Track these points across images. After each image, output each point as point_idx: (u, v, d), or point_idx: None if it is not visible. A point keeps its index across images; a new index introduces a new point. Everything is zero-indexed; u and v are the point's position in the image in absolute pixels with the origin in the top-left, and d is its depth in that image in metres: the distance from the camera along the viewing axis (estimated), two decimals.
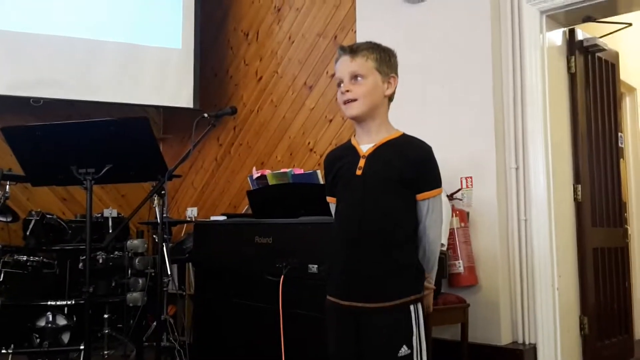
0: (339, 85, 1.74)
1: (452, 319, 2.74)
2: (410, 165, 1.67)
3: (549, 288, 2.87)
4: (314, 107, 4.00)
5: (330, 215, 2.72)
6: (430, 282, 1.80)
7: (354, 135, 1.80)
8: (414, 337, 1.62)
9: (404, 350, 1.60)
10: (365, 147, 1.74)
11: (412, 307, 1.64)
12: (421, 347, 1.63)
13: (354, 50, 1.72)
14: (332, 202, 1.84)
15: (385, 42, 1.77)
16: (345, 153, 1.79)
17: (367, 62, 1.70)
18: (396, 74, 1.77)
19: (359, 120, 1.74)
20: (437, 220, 1.72)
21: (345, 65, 1.72)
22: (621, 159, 3.73)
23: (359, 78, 1.70)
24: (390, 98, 1.77)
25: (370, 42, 1.76)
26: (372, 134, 1.74)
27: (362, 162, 1.71)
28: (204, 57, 4.64)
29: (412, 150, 1.71)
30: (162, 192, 2.55)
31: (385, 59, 1.74)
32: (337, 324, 1.71)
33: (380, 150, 1.71)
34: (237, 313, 2.94)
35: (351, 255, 1.68)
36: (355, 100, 1.70)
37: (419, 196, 1.69)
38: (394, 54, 1.79)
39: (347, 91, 1.70)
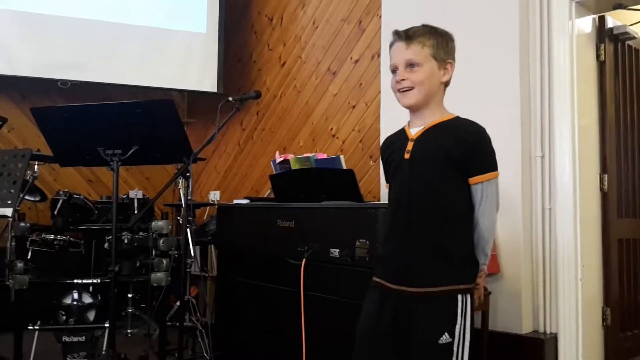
0: (393, 72, 1.70)
1: (473, 308, 2.74)
2: (459, 146, 1.63)
3: (572, 278, 2.84)
4: (337, 93, 3.99)
5: (353, 200, 2.75)
6: (484, 267, 1.73)
7: (408, 122, 1.77)
8: (458, 327, 1.59)
9: (445, 338, 1.57)
10: (414, 130, 1.71)
11: (460, 297, 1.60)
12: (464, 337, 1.59)
13: (409, 36, 1.67)
14: (387, 187, 1.82)
15: (409, 27, 1.71)
16: (397, 138, 1.77)
17: (423, 49, 1.66)
18: (453, 59, 1.72)
19: (413, 109, 1.71)
20: (492, 207, 1.67)
21: (400, 53, 1.68)
22: None
23: (414, 66, 1.65)
24: (447, 84, 1.72)
25: (426, 27, 1.70)
26: (424, 118, 1.71)
27: (410, 146, 1.69)
28: (228, 41, 4.66)
29: (462, 131, 1.66)
30: (187, 174, 2.58)
31: (442, 45, 1.69)
32: (377, 305, 1.69)
33: (429, 133, 1.68)
34: (259, 295, 2.98)
35: (402, 239, 1.67)
36: (411, 88, 1.66)
37: (471, 180, 1.65)
38: (451, 37, 1.74)
39: (403, 80, 1.66)
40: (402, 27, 1.76)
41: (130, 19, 4.34)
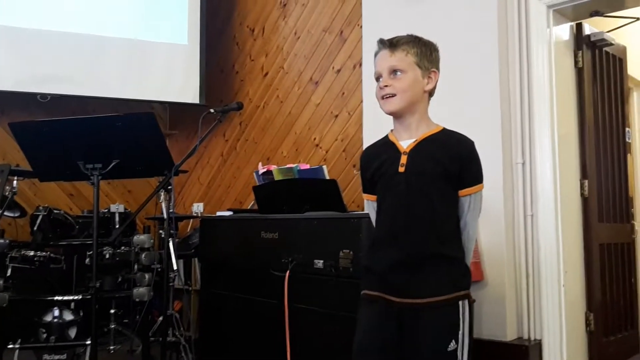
0: (377, 79, 1.71)
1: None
2: (453, 160, 1.65)
3: (555, 284, 2.86)
4: (320, 103, 4.00)
5: (336, 210, 2.74)
6: None
7: (392, 131, 1.76)
8: (461, 332, 1.62)
9: (452, 345, 1.60)
10: (405, 142, 1.71)
11: (460, 303, 1.64)
12: (464, 342, 1.62)
13: (394, 44, 1.69)
14: (368, 199, 1.82)
15: (390, 36, 1.73)
16: (383, 150, 1.76)
17: (407, 57, 1.67)
18: (437, 68, 1.73)
19: (397, 115, 1.71)
20: (476, 216, 1.72)
21: (384, 60, 1.69)
22: (628, 154, 3.72)
23: (398, 73, 1.67)
24: (431, 93, 1.73)
25: (411, 36, 1.72)
26: (411, 130, 1.71)
27: (404, 159, 1.68)
28: (210, 52, 4.65)
29: (455, 145, 1.68)
30: (169, 187, 2.56)
31: (426, 54, 1.70)
32: (378, 319, 1.68)
33: (422, 146, 1.68)
34: (243, 308, 2.95)
35: (398, 250, 1.66)
36: (393, 95, 1.67)
37: (462, 192, 1.68)
38: (435, 48, 1.75)
39: (386, 86, 1.67)
40: (383, 37, 1.78)
41: (111, 31, 4.32)
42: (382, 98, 1.69)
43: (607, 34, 3.40)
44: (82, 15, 4.26)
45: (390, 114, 1.71)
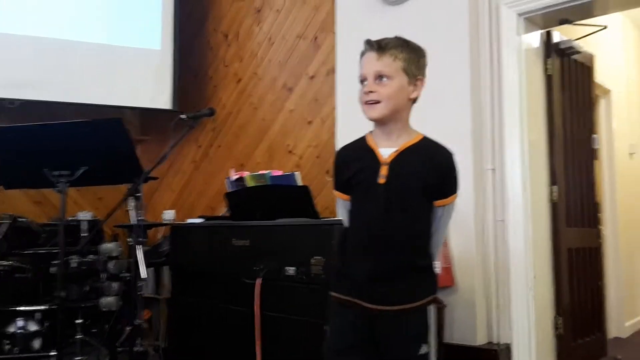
0: (362, 82, 1.65)
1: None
2: (434, 173, 1.64)
3: (524, 288, 2.88)
4: (294, 109, 3.98)
5: (308, 216, 2.73)
6: None
7: (371, 134, 1.72)
8: (430, 336, 1.65)
9: (423, 348, 1.63)
10: (385, 151, 1.66)
11: (428, 308, 1.67)
12: (433, 344, 1.66)
13: (382, 47, 1.63)
14: (340, 197, 1.78)
15: (363, 44, 1.69)
16: (362, 155, 1.70)
17: (394, 62, 1.62)
18: (424, 75, 1.69)
19: (380, 123, 1.67)
20: (446, 223, 1.73)
21: (370, 63, 1.63)
22: (595, 160, 3.77)
23: (384, 79, 1.61)
24: (415, 100, 1.69)
25: (400, 39, 1.66)
26: (392, 138, 1.67)
27: (384, 170, 1.64)
28: (183, 58, 4.60)
29: (435, 157, 1.67)
30: (138, 194, 2.52)
31: (414, 60, 1.66)
32: (352, 323, 1.67)
33: (403, 157, 1.65)
34: (214, 316, 2.92)
35: (376, 261, 1.65)
36: (378, 102, 1.62)
37: (438, 202, 1.67)
38: (423, 53, 1.70)
39: (371, 92, 1.62)
40: (356, 44, 1.74)
41: (81, 35, 4.25)
42: (366, 103, 1.64)
43: (576, 42, 3.46)
44: (50, 19, 4.19)
45: (372, 120, 1.68)
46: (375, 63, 1.62)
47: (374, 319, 1.65)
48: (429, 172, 1.64)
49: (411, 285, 1.65)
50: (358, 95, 1.67)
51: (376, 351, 1.66)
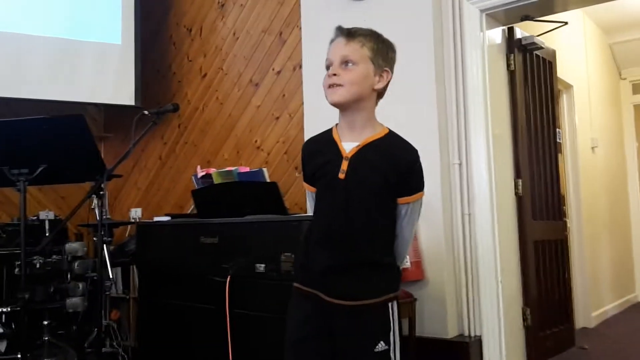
0: (327, 67, 1.64)
1: (400, 314, 2.76)
2: (395, 170, 1.61)
3: (492, 281, 2.93)
4: (261, 105, 3.95)
5: (277, 213, 2.71)
6: None
7: (336, 126, 1.70)
8: (392, 334, 1.62)
9: (380, 346, 1.59)
10: (348, 145, 1.64)
11: (390, 305, 1.63)
12: (396, 343, 1.63)
13: (351, 33, 1.62)
14: (308, 189, 1.77)
15: (328, 39, 1.68)
16: (325, 148, 1.69)
17: (361, 49, 1.60)
18: (391, 69, 1.68)
19: (341, 108, 1.65)
20: (413, 221, 1.70)
21: (338, 48, 1.62)
22: (559, 154, 3.85)
23: (349, 64, 1.60)
24: (381, 94, 1.68)
25: (371, 30, 1.66)
26: (356, 130, 1.65)
27: (345, 165, 1.62)
28: (146, 53, 4.51)
29: (398, 154, 1.64)
30: (101, 192, 2.46)
31: (382, 51, 1.65)
32: (310, 314, 1.66)
33: (364, 152, 1.63)
34: (183, 316, 2.88)
35: (334, 256, 1.64)
36: (340, 85, 1.60)
37: (401, 200, 1.65)
38: (393, 48, 1.70)
39: (334, 75, 1.60)
40: (322, 39, 1.73)
41: (38, 29, 4.12)
42: (329, 87, 1.62)
43: (538, 37, 3.52)
44: (4, 12, 4.05)
45: (334, 104, 1.65)
46: (343, 48, 1.61)
47: (331, 313, 1.64)
48: (390, 168, 1.62)
49: (369, 282, 1.63)
50: (323, 81, 1.65)
51: (332, 344, 1.64)
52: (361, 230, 1.63)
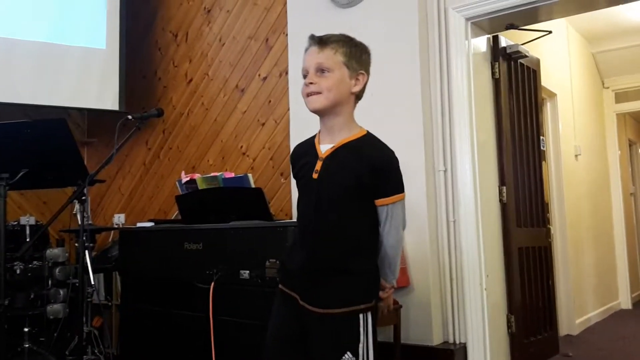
0: (304, 76, 1.67)
1: (385, 321, 2.75)
2: (367, 171, 1.61)
3: (477, 288, 2.94)
4: (246, 111, 3.94)
5: (262, 219, 2.70)
6: (392, 282, 1.76)
7: (319, 132, 1.73)
8: (362, 345, 1.58)
9: (347, 356, 1.57)
10: (324, 147, 1.68)
11: (361, 316, 1.60)
12: (369, 354, 1.59)
13: (323, 41, 1.65)
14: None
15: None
16: (308, 151, 1.72)
17: (335, 56, 1.63)
18: (367, 71, 1.70)
19: (321, 114, 1.68)
20: (397, 226, 1.68)
21: (312, 56, 1.65)
22: (543, 162, 3.88)
23: (325, 71, 1.63)
24: (358, 96, 1.70)
25: (342, 35, 1.69)
26: (334, 133, 1.68)
27: (318, 165, 1.65)
28: (131, 58, 4.48)
29: (372, 154, 1.64)
30: (83, 197, 2.43)
31: (355, 55, 1.67)
32: (288, 315, 1.68)
33: (338, 153, 1.65)
34: (166, 323, 2.85)
35: (307, 257, 1.65)
36: (318, 93, 1.63)
37: (377, 202, 1.65)
38: (366, 50, 1.72)
39: (311, 83, 1.63)
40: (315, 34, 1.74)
41: (21, 33, 4.07)
42: (307, 95, 1.65)
43: (522, 46, 3.55)
44: None
45: (314, 112, 1.68)
46: (317, 56, 1.64)
47: (305, 316, 1.64)
48: (363, 168, 1.62)
49: (338, 289, 1.61)
50: (301, 89, 1.68)
51: (306, 350, 1.65)
52: (331, 232, 1.64)
